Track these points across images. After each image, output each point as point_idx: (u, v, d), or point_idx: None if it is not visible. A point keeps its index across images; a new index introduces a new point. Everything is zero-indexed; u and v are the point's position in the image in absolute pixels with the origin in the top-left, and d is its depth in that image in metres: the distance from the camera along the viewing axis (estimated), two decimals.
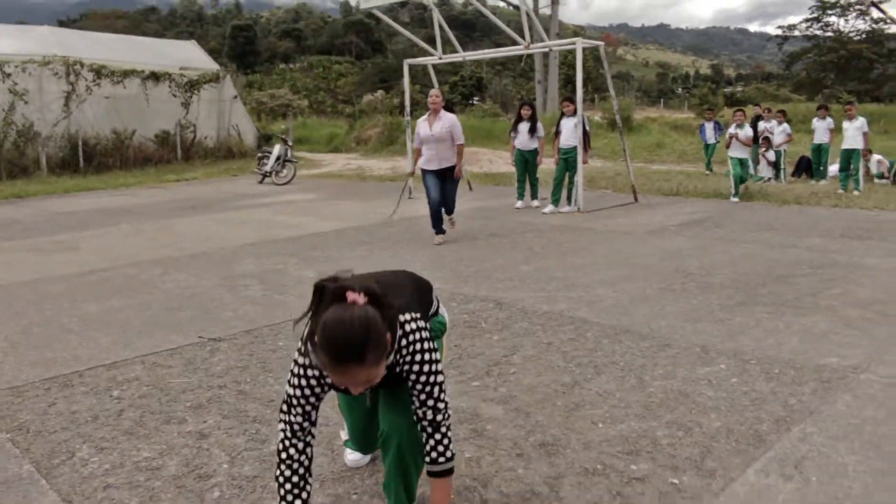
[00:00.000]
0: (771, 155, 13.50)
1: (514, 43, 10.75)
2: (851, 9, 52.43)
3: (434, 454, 2.15)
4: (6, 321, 4.95)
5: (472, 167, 15.96)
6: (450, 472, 2.18)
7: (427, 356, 2.05)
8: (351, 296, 1.78)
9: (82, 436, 3.12)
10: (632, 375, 3.69)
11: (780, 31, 58.82)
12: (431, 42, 11.83)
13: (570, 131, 9.60)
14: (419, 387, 2.08)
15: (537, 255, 6.83)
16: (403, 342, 2.01)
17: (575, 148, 9.54)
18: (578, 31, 62.17)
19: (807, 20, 55.22)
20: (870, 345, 4.07)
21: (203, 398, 3.51)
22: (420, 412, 2.13)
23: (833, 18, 54.04)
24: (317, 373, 2.00)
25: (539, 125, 10.16)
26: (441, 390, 2.11)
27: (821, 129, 12.72)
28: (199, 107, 20.62)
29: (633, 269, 6.11)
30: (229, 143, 21.44)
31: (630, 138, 23.86)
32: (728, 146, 10.54)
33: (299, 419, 2.05)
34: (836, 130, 12.47)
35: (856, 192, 10.96)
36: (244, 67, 59.04)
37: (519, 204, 10.21)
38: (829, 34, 53.81)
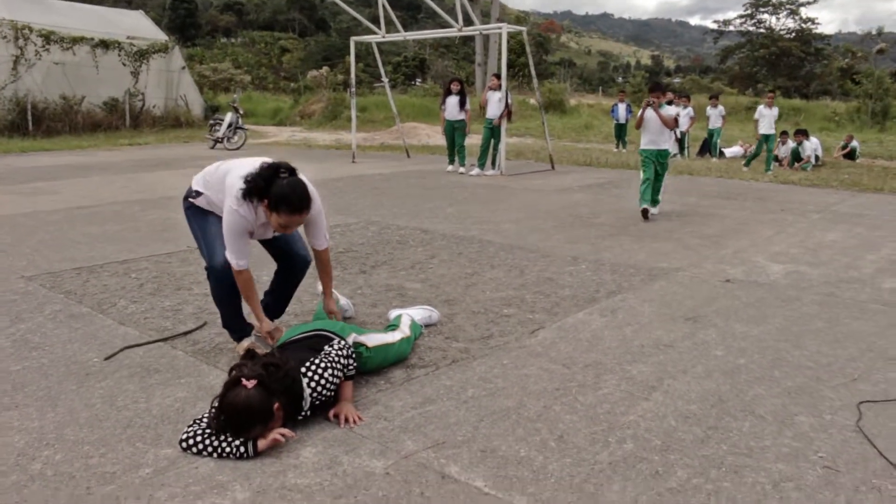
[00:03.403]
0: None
1: (451, 25, 12.03)
2: (782, 7, 55.47)
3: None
4: (22, 238, 6.03)
5: (412, 140, 17.21)
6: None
7: (328, 373, 2.69)
8: (243, 381, 2.47)
9: (118, 295, 4.33)
10: (516, 270, 5.09)
11: (716, 26, 61.81)
12: (375, 22, 12.99)
13: (495, 104, 10.99)
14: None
15: (460, 202, 8.21)
16: (311, 382, 2.65)
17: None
18: (522, 17, 63.76)
19: (741, 16, 58.17)
20: (694, 257, 5.59)
21: (202, 278, 4.73)
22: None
23: (765, 16, 57.08)
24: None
25: (467, 99, 11.47)
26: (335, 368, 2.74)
27: (714, 115, 14.53)
28: (147, 76, 21.21)
29: (536, 213, 7.55)
30: (177, 113, 22.09)
31: (562, 120, 25.65)
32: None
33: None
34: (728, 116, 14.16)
35: (768, 173, 12.13)
36: (185, 40, 58.36)
37: (449, 168, 11.56)
38: (762, 31, 56.73)
